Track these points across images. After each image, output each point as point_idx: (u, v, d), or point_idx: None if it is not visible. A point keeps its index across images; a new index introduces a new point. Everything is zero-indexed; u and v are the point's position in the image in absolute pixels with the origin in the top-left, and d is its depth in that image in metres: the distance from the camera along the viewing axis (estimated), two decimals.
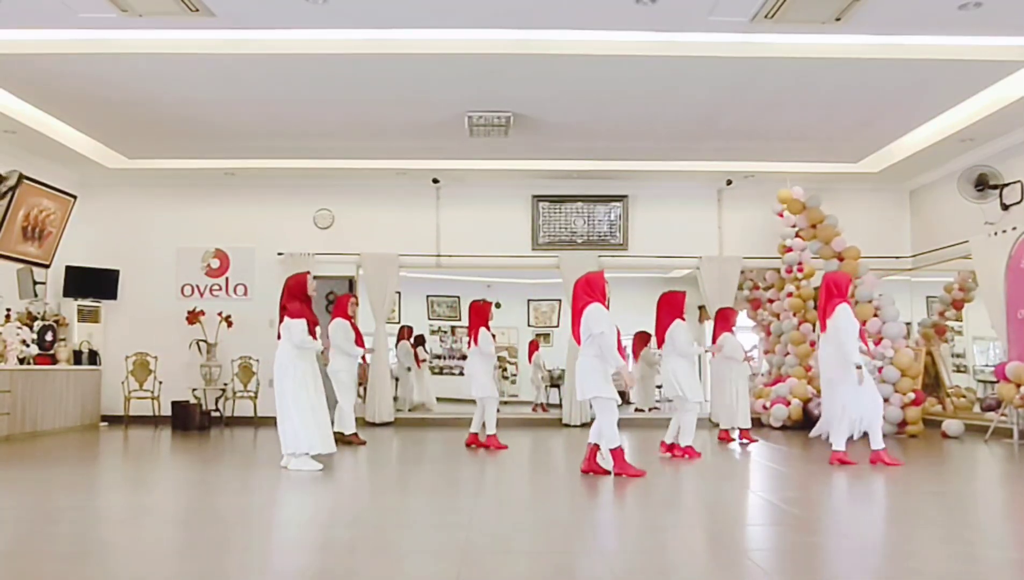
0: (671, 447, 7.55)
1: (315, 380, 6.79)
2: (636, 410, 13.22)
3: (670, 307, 7.63)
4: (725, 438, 8.97)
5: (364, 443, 8.65)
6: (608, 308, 6.28)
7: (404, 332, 13.97)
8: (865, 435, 6.98)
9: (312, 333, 6.74)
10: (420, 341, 14.25)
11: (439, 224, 11.59)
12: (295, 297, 6.78)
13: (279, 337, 6.75)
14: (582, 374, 6.27)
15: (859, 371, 6.76)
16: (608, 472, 6.25)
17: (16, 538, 4.22)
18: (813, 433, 7.90)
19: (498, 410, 8.50)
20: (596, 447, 6.32)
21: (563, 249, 11.52)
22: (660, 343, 7.67)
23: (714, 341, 8.97)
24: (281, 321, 6.74)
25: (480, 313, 8.53)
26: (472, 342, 8.45)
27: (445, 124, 9.17)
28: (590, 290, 6.29)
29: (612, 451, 6.17)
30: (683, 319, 7.61)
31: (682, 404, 7.47)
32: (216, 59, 7.42)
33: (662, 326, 7.60)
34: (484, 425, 8.36)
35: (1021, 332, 8.97)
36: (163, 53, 7.27)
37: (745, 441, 8.90)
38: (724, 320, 9.00)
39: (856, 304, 10.30)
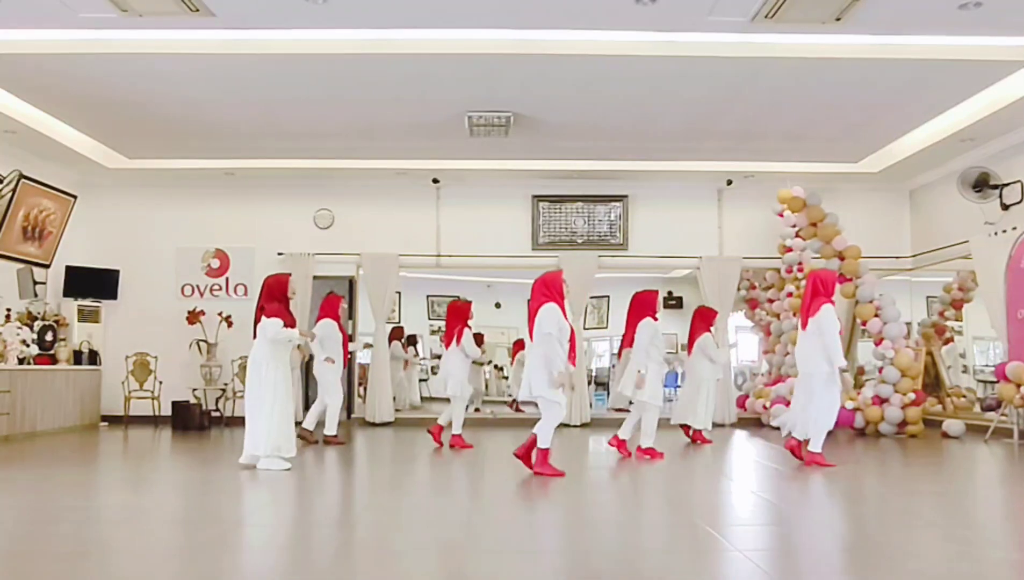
0: (621, 443, 7.54)
1: (285, 383, 6.67)
2: (607, 409, 13.23)
3: (641, 306, 7.57)
4: (699, 438, 8.89)
5: (343, 443, 8.65)
6: (564, 309, 6.28)
7: (396, 332, 13.96)
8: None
9: None
10: (411, 341, 14.24)
11: (439, 224, 11.59)
12: (274, 297, 6.72)
13: (255, 336, 6.70)
14: (530, 372, 6.25)
15: (844, 375, 6.65)
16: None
17: (16, 538, 4.22)
18: (776, 422, 7.82)
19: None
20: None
21: (563, 249, 11.51)
22: (630, 343, 7.61)
23: (691, 340, 8.91)
24: (258, 321, 6.67)
25: (460, 313, 8.49)
26: (456, 341, 8.35)
27: (445, 124, 9.17)
28: (546, 290, 6.30)
29: (540, 450, 6.19)
30: (655, 318, 7.54)
31: (643, 406, 7.43)
32: (216, 59, 7.42)
33: (632, 325, 7.55)
34: (451, 423, 8.36)
35: (1021, 332, 8.97)
36: (163, 53, 7.27)
37: (699, 442, 8.83)
38: (702, 319, 8.94)
39: (856, 304, 10.35)
